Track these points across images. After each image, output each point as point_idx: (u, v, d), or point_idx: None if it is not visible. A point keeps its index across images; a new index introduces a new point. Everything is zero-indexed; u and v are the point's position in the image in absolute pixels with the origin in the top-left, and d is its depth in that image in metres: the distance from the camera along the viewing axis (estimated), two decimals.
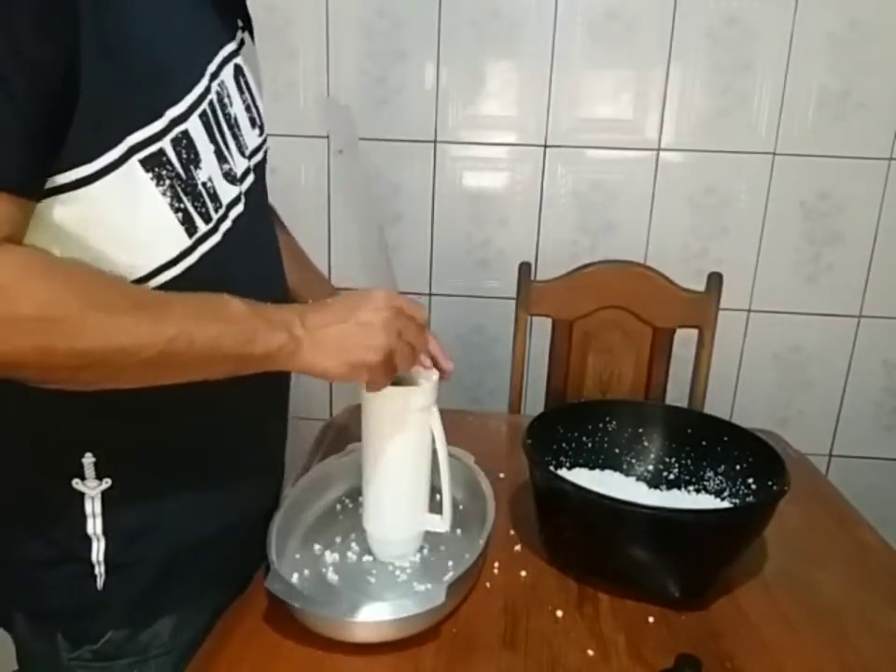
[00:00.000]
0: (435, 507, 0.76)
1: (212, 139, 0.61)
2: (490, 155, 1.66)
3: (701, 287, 1.34)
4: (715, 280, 1.33)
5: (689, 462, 0.90)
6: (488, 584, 0.75)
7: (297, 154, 1.67)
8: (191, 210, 0.58)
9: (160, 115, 0.55)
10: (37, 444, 0.62)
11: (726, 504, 0.84)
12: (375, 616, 0.63)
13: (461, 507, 0.86)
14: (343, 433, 1.03)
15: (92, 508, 0.62)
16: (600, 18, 1.55)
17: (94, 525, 0.63)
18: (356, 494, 0.83)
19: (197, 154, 0.59)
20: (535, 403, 1.41)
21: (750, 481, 0.83)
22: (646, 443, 0.93)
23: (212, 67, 0.63)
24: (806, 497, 0.94)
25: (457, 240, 1.70)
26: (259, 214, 0.71)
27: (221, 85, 0.64)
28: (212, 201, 0.61)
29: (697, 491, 0.88)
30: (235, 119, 0.67)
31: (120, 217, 0.54)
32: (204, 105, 0.60)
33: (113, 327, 0.51)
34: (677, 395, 1.41)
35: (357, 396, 0.74)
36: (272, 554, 0.70)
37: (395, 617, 0.63)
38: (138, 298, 0.54)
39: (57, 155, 0.50)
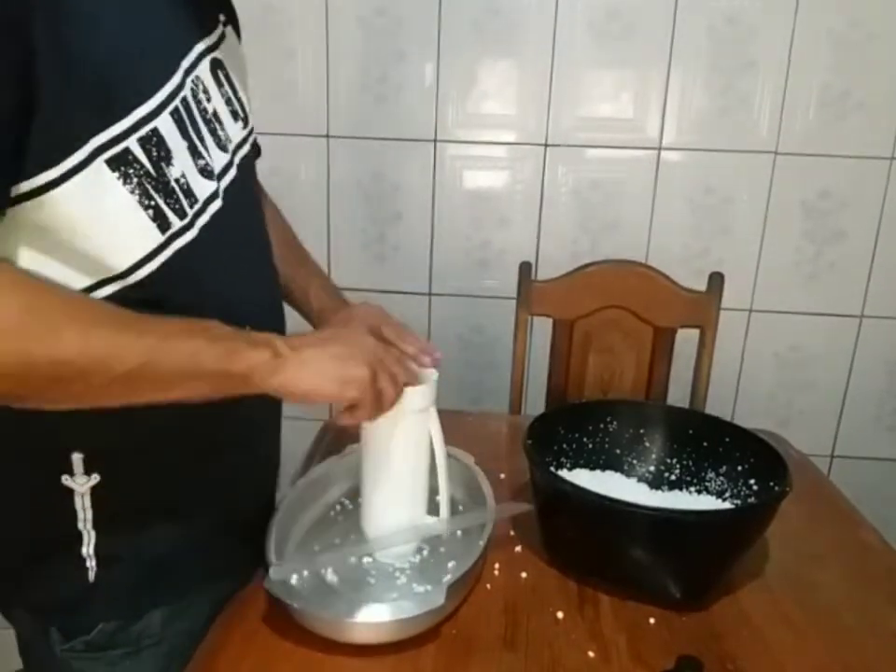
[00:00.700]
0: (435, 508, 0.76)
1: (185, 135, 0.61)
2: (490, 154, 1.65)
3: (702, 286, 1.33)
4: (716, 280, 1.33)
5: (690, 463, 0.90)
6: (488, 585, 0.75)
7: (297, 154, 1.67)
8: (163, 206, 0.58)
9: (126, 114, 0.55)
10: (26, 441, 0.62)
11: (728, 505, 0.84)
12: (375, 617, 0.63)
13: (461, 508, 0.86)
14: (343, 434, 1.03)
15: (82, 503, 0.63)
16: (600, 17, 1.54)
17: (84, 520, 0.63)
18: (355, 494, 0.83)
19: (168, 151, 0.58)
20: (535, 403, 1.40)
21: (752, 481, 0.83)
22: (647, 444, 0.93)
23: (186, 63, 0.63)
24: (808, 498, 0.93)
25: (457, 240, 1.70)
26: (242, 208, 0.71)
27: (197, 80, 0.64)
28: (186, 196, 0.60)
29: (699, 492, 0.88)
30: (214, 113, 0.67)
31: (88, 217, 0.54)
32: (176, 102, 0.60)
33: (92, 337, 0.51)
34: (678, 395, 1.41)
35: None
36: (271, 555, 0.70)
37: (394, 618, 0.63)
38: (118, 313, 0.54)
39: (18, 166, 0.50)
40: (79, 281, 0.56)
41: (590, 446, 0.92)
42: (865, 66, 1.53)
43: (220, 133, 0.68)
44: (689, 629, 0.70)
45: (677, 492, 0.89)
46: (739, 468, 0.85)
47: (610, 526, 0.73)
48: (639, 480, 0.90)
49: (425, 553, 0.78)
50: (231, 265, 0.67)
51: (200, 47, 0.66)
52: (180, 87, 0.60)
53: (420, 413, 0.72)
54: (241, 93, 0.74)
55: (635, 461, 0.92)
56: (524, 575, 0.77)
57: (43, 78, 0.49)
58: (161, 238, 0.58)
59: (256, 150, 0.82)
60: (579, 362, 1.38)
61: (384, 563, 0.76)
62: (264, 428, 0.80)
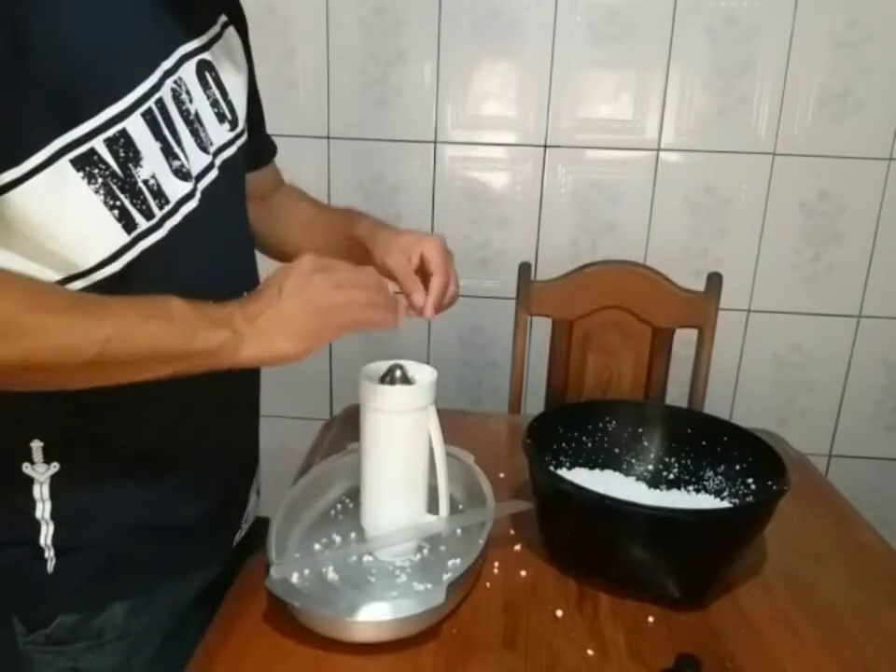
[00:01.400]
0: (434, 507, 0.77)
1: (158, 136, 0.60)
2: (490, 155, 1.66)
3: (701, 287, 1.34)
4: (715, 280, 1.33)
5: (689, 462, 0.90)
6: (488, 584, 0.75)
7: (297, 154, 1.67)
8: (129, 207, 0.58)
9: (92, 115, 0.55)
10: None
11: (726, 504, 0.84)
12: (375, 616, 0.63)
13: (461, 506, 0.86)
14: (343, 433, 1.03)
15: (41, 492, 0.63)
16: (600, 18, 1.55)
17: (43, 510, 0.63)
18: (355, 494, 0.83)
19: (137, 152, 0.58)
20: (535, 403, 1.41)
21: (750, 481, 0.83)
22: (646, 443, 0.93)
23: (167, 64, 0.62)
24: (806, 497, 0.94)
25: (457, 240, 1.70)
26: (222, 210, 0.70)
27: (179, 81, 0.64)
28: (155, 197, 0.60)
29: (697, 491, 0.88)
30: (196, 114, 0.66)
31: (52, 216, 0.54)
32: (150, 104, 0.59)
33: (51, 326, 0.51)
34: (676, 395, 1.41)
35: (357, 396, 0.74)
36: (272, 554, 0.70)
37: (395, 617, 0.63)
38: (75, 299, 0.54)
39: None
40: (46, 276, 0.56)
41: (589, 445, 0.92)
42: (864, 67, 1.53)
43: (202, 134, 0.67)
44: (688, 628, 0.70)
45: (675, 491, 0.89)
46: (737, 467, 0.85)
47: (610, 525, 0.73)
48: (638, 479, 0.91)
49: (425, 551, 0.78)
50: (205, 265, 0.67)
51: (185, 48, 0.65)
52: (156, 88, 0.60)
53: (419, 412, 0.73)
54: (231, 96, 0.73)
55: (633, 460, 0.92)
56: (523, 573, 0.77)
57: (2, 77, 0.49)
58: (126, 238, 0.58)
59: (259, 153, 0.81)
60: (578, 362, 1.38)
61: (384, 561, 0.76)
62: (235, 429, 0.78)
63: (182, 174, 0.63)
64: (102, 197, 0.56)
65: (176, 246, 0.62)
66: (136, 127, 0.58)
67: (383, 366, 0.75)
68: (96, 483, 0.65)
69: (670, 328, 1.34)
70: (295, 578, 0.70)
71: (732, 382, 1.75)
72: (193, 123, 0.65)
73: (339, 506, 0.86)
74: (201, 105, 0.67)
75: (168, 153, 0.61)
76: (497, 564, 0.78)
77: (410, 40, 1.60)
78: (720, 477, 0.87)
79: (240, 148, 0.74)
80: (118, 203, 0.57)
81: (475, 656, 0.65)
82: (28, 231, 0.54)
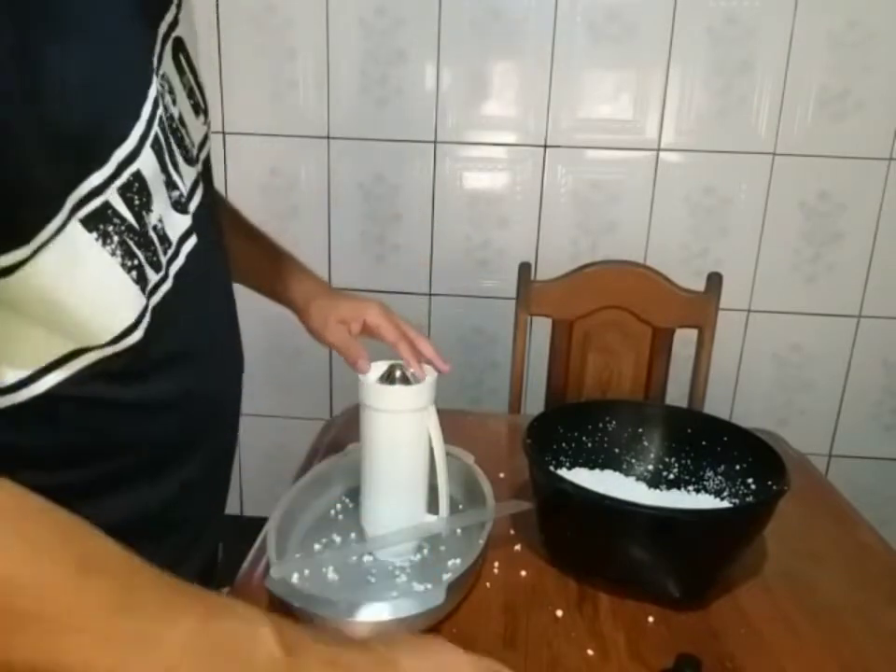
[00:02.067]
0: (434, 507, 0.77)
1: (163, 167, 0.50)
2: (490, 155, 1.66)
3: (701, 287, 1.34)
4: (715, 280, 1.33)
5: (689, 462, 0.90)
6: (488, 584, 0.75)
7: (297, 154, 1.67)
8: (144, 263, 0.48)
9: (105, 160, 0.44)
10: None
11: (726, 504, 0.84)
12: (375, 616, 0.63)
13: (461, 506, 0.86)
14: (343, 433, 1.03)
15: None
16: (600, 18, 1.55)
17: None
18: (355, 494, 0.83)
19: (149, 195, 0.48)
20: (535, 403, 1.41)
21: (750, 480, 0.83)
22: (646, 443, 0.93)
23: (155, 60, 0.50)
24: (806, 497, 0.94)
25: (457, 240, 1.70)
26: (210, 234, 0.59)
27: (164, 79, 0.52)
28: (161, 243, 0.51)
29: (697, 491, 0.88)
30: (180, 117, 0.55)
31: (62, 294, 0.44)
32: (155, 128, 0.48)
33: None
34: (676, 395, 1.41)
35: (357, 395, 0.74)
36: (272, 554, 0.70)
37: (394, 617, 0.63)
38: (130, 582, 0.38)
39: None
40: (53, 349, 0.47)
41: (589, 445, 0.92)
42: (864, 67, 1.53)
43: (186, 140, 0.56)
44: (688, 628, 0.70)
45: (675, 491, 0.89)
46: (737, 467, 0.85)
47: (610, 525, 0.73)
48: (638, 479, 0.91)
49: (425, 551, 0.78)
50: (204, 307, 0.59)
51: (163, 26, 0.52)
52: (156, 102, 0.48)
53: (419, 412, 0.73)
54: (199, 76, 0.60)
55: (633, 460, 0.92)
56: (523, 573, 0.77)
57: (12, 128, 0.38)
58: (144, 300, 0.49)
59: None
60: (578, 362, 1.38)
61: (384, 561, 0.76)
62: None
63: (180, 206, 0.53)
64: (119, 259, 0.46)
65: (181, 295, 0.53)
66: (148, 163, 0.48)
67: (383, 366, 0.75)
68: None
69: (670, 328, 1.34)
70: (295, 578, 0.70)
71: (732, 382, 1.75)
72: (178, 131, 0.54)
73: (339, 506, 0.86)
74: (182, 101, 0.56)
75: (170, 185, 0.52)
76: (497, 564, 0.78)
77: (410, 40, 1.60)
78: (720, 477, 0.87)
79: (208, 140, 0.62)
80: (135, 261, 0.47)
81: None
82: (34, 314, 0.44)
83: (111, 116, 0.44)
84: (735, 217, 1.64)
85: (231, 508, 1.44)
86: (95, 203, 0.44)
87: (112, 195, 0.45)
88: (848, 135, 1.57)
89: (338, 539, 0.79)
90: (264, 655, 0.39)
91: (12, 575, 0.33)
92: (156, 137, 0.48)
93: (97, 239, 0.44)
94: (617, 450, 0.93)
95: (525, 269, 1.37)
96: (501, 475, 0.95)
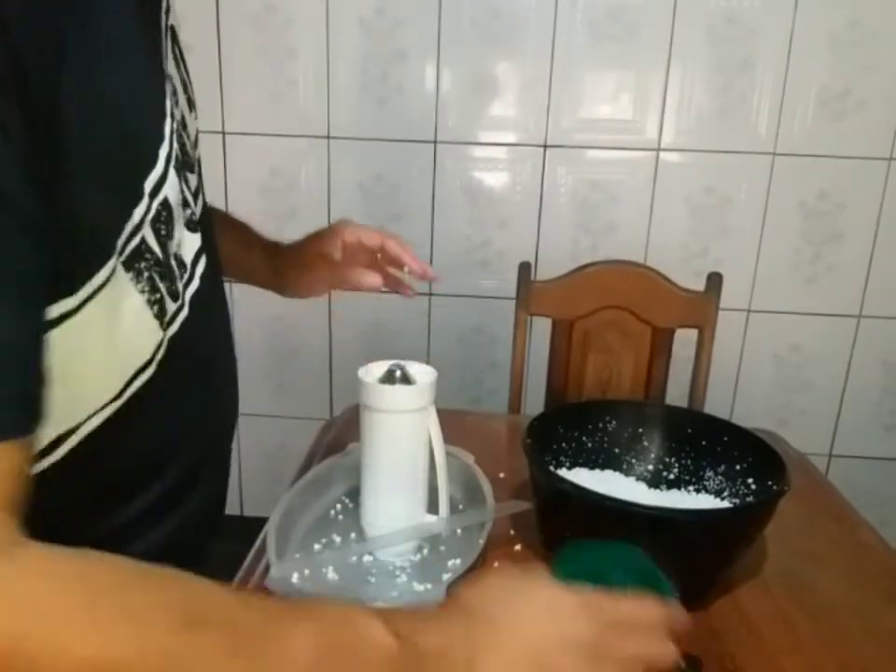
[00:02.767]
0: (434, 507, 0.77)
1: (182, 188, 0.47)
2: (490, 155, 1.66)
3: (701, 286, 1.34)
4: (715, 280, 1.33)
5: (689, 462, 0.90)
6: None
7: (297, 154, 1.67)
8: (165, 296, 0.46)
9: (141, 193, 0.41)
10: None
11: (726, 504, 0.84)
12: None
13: (461, 506, 0.86)
14: (343, 433, 1.03)
15: None
16: (600, 18, 1.55)
17: None
18: (355, 494, 0.83)
19: (172, 222, 0.45)
20: (535, 403, 1.41)
21: (750, 481, 0.83)
22: (646, 443, 0.93)
23: (164, 63, 0.47)
24: (806, 497, 0.94)
25: (457, 240, 1.70)
26: (211, 242, 0.56)
27: (170, 80, 0.49)
28: (179, 268, 0.48)
29: (697, 491, 0.88)
30: (182, 120, 0.52)
31: (105, 340, 0.41)
32: (176, 147, 0.45)
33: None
34: (676, 395, 1.41)
35: (357, 395, 0.74)
36: (272, 554, 0.70)
37: None
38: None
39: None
40: (80, 407, 0.43)
41: (589, 445, 0.92)
42: (864, 67, 1.53)
43: (187, 144, 0.53)
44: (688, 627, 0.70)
45: (675, 491, 0.89)
46: (738, 467, 0.85)
47: (610, 526, 0.73)
48: (638, 479, 0.91)
49: (425, 551, 0.78)
50: (220, 333, 0.58)
51: (163, 22, 0.49)
52: (172, 113, 0.45)
53: (419, 413, 0.73)
54: (187, 65, 0.56)
55: (633, 460, 0.92)
56: None
57: (71, 166, 0.35)
58: (161, 334, 0.46)
59: None
60: (578, 362, 1.38)
61: (384, 561, 0.76)
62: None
63: (192, 224, 0.50)
64: (147, 295, 0.43)
65: (197, 320, 0.50)
66: (173, 187, 0.44)
67: (383, 366, 0.75)
68: None
69: (670, 328, 1.34)
70: (295, 578, 0.70)
71: (732, 382, 1.75)
72: (181, 137, 0.50)
73: (339, 506, 0.86)
74: (182, 101, 0.53)
75: (185, 204, 0.48)
76: (497, 564, 0.78)
77: (410, 40, 1.60)
78: (720, 477, 0.87)
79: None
80: (157, 295, 0.44)
81: None
82: (77, 364, 0.40)
83: (142, 139, 0.41)
84: (735, 217, 1.64)
85: (231, 508, 1.45)
86: (135, 242, 0.41)
87: (147, 230, 0.42)
88: (849, 135, 1.57)
89: (338, 539, 0.79)
90: (379, 648, 0.39)
91: (118, 658, 0.33)
92: (175, 155, 0.44)
93: (132, 279, 0.41)
94: (617, 450, 0.93)
95: (524, 269, 1.37)
96: (501, 475, 0.95)
